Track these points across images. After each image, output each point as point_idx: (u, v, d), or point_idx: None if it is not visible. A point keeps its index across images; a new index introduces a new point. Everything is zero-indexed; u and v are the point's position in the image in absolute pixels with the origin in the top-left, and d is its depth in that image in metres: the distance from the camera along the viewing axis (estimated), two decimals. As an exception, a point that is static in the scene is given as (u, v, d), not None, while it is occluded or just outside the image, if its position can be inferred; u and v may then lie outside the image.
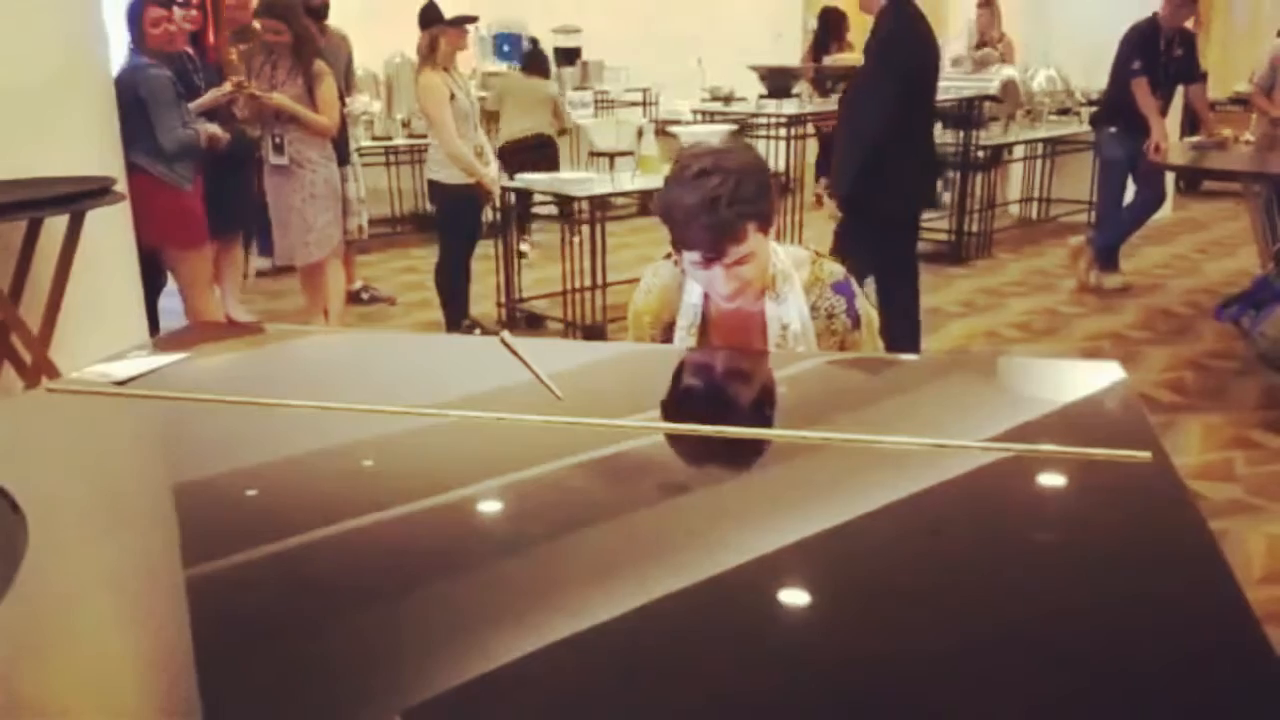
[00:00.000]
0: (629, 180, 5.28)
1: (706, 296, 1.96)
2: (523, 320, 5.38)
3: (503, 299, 5.39)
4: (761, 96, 6.77)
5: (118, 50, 4.10)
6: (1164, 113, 5.75)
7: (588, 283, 5.05)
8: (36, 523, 1.15)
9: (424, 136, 6.13)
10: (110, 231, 3.60)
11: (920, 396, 1.67)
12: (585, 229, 5.11)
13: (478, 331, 4.88)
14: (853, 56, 6.86)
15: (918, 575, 1.08)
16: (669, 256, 2.02)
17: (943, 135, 6.95)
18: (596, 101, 8.65)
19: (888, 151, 3.77)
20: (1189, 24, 5.93)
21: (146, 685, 0.96)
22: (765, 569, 1.07)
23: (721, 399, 1.73)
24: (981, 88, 6.85)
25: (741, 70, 7.11)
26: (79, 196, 3.30)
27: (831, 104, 6.00)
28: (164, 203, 4.10)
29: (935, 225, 7.16)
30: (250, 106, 4.59)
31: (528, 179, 5.39)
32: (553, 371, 1.59)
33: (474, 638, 0.96)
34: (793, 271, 1.96)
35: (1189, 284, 6.08)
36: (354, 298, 5.64)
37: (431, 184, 4.96)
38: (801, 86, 6.87)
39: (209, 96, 4.55)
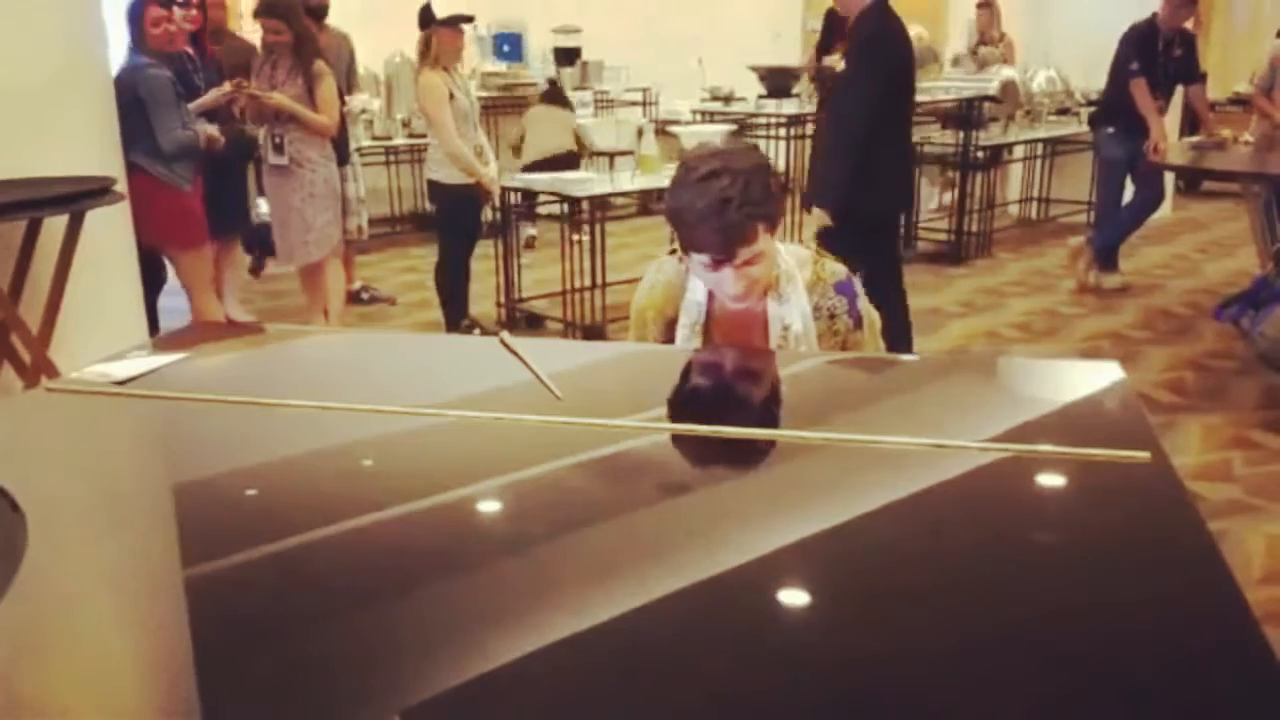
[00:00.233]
0: (629, 180, 5.29)
1: (711, 295, 1.96)
2: (522, 320, 5.38)
3: (502, 299, 5.39)
4: (761, 96, 6.78)
5: (118, 50, 4.09)
6: (1163, 113, 5.75)
7: (587, 283, 5.06)
8: (36, 523, 1.14)
9: (424, 136, 6.14)
10: (110, 231, 3.60)
11: (920, 397, 1.67)
12: (585, 229, 5.11)
13: (477, 331, 4.88)
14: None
15: (918, 575, 1.08)
16: (673, 253, 2.01)
17: (943, 135, 6.97)
18: (596, 101, 8.65)
19: (872, 152, 3.81)
20: (1188, 24, 5.93)
21: (146, 685, 0.96)
22: (765, 569, 1.07)
23: (721, 399, 1.73)
24: (981, 88, 6.86)
25: (741, 70, 7.13)
26: (79, 196, 3.30)
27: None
28: (164, 203, 4.11)
29: (935, 225, 7.17)
30: (250, 106, 4.59)
31: (528, 179, 5.39)
32: (552, 371, 1.59)
33: (473, 637, 0.96)
34: (795, 271, 1.95)
35: (1188, 284, 6.08)
36: (354, 298, 5.64)
37: (431, 184, 4.96)
38: (801, 86, 6.88)
39: (209, 96, 4.56)
